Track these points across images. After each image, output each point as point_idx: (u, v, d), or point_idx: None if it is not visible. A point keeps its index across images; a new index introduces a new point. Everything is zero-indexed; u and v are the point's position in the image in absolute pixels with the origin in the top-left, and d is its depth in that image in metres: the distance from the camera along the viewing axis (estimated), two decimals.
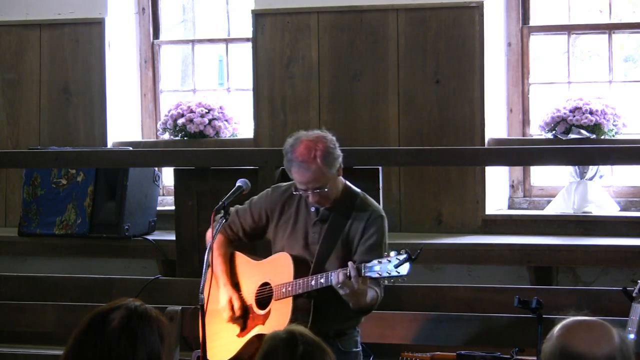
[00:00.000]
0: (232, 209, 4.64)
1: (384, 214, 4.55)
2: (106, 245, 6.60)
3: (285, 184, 4.64)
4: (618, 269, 6.03)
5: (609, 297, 5.23)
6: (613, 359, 2.57)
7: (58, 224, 6.70)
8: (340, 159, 4.42)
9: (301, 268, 4.41)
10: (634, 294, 4.20)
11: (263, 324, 4.48)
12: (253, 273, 4.60)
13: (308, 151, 4.33)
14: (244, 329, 4.56)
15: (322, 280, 4.27)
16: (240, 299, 4.56)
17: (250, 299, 4.56)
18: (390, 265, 4.13)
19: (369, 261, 4.20)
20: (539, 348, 4.51)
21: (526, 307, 4.57)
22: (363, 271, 4.15)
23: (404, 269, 4.12)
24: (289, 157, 4.37)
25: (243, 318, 4.56)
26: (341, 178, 4.47)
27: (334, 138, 4.45)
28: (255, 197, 4.67)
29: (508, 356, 4.89)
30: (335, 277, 4.19)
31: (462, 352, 5.02)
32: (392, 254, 4.16)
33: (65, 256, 6.89)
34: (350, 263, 4.19)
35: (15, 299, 6.19)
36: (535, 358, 4.70)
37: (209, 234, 4.70)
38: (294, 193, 4.49)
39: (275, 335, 2.70)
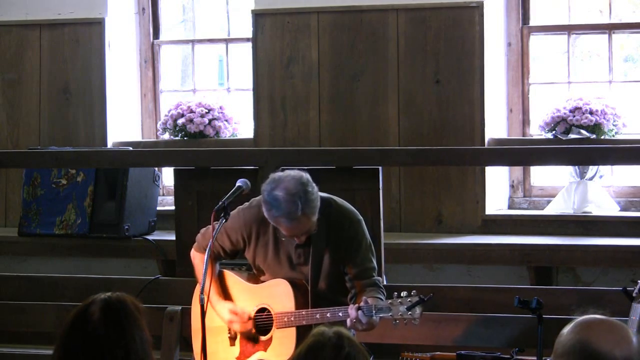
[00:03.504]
0: (205, 230, 4.63)
1: (359, 216, 4.56)
2: (106, 245, 6.60)
3: (255, 202, 4.57)
4: (618, 269, 6.03)
5: (609, 297, 5.22)
6: None
7: (58, 224, 6.70)
8: (319, 196, 4.36)
9: (300, 295, 4.42)
10: (634, 294, 4.20)
11: (265, 350, 4.47)
12: (248, 297, 4.58)
13: (294, 206, 4.24)
14: (243, 352, 4.55)
15: (328, 315, 4.29)
16: (239, 320, 4.55)
17: (249, 324, 4.54)
18: (402, 308, 4.15)
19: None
20: (539, 348, 4.51)
21: (526, 307, 4.57)
22: (374, 313, 4.17)
23: (417, 312, 4.14)
24: (274, 213, 4.28)
25: (242, 342, 4.55)
26: None
27: (308, 177, 4.35)
28: (228, 220, 4.56)
29: (508, 356, 4.89)
30: (343, 315, 4.23)
31: (462, 352, 5.01)
32: (403, 294, 4.18)
33: (65, 256, 6.89)
34: (363, 304, 4.20)
35: (15, 299, 6.19)
36: (535, 358, 4.69)
37: (193, 252, 4.70)
38: (282, 240, 4.45)
39: (323, 332, 2.75)
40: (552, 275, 6.19)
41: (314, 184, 4.34)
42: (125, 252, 6.65)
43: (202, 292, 4.23)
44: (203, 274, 4.31)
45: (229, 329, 4.58)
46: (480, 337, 5.23)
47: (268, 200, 4.29)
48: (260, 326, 4.52)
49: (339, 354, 2.68)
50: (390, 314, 4.17)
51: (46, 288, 6.26)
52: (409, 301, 4.15)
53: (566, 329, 2.65)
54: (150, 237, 6.60)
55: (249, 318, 4.52)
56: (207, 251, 4.36)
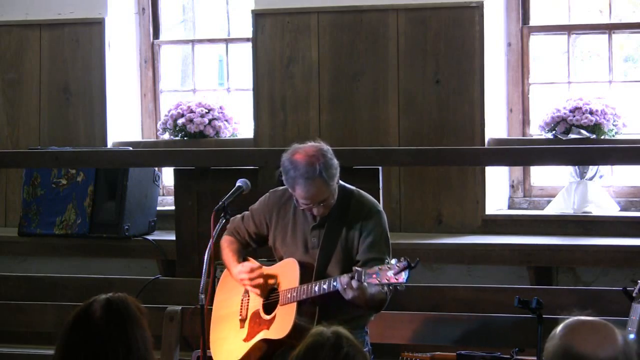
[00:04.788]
0: (237, 216, 4.66)
1: (380, 208, 4.57)
2: (106, 245, 6.60)
3: (281, 188, 4.62)
4: (618, 269, 6.03)
5: (609, 297, 5.23)
6: None
7: (58, 224, 6.70)
8: (338, 168, 4.41)
9: (306, 274, 4.43)
10: (634, 294, 4.20)
11: (268, 328, 4.49)
12: (262, 278, 4.59)
13: (311, 167, 4.29)
14: (250, 333, 4.57)
15: (324, 286, 4.29)
16: (248, 305, 4.58)
17: (259, 304, 4.57)
18: (390, 272, 4.15)
19: (370, 267, 4.23)
20: (539, 348, 4.51)
21: (526, 307, 4.57)
22: (363, 278, 4.17)
23: (403, 276, 4.14)
24: (292, 174, 4.33)
25: (251, 323, 4.58)
26: None
27: (329, 147, 4.42)
28: (256, 203, 4.67)
29: (508, 356, 4.89)
30: (337, 284, 4.22)
31: (462, 352, 5.01)
32: (393, 261, 4.18)
33: (65, 256, 6.89)
34: (353, 271, 4.20)
35: (15, 299, 6.20)
36: (535, 358, 4.69)
37: (222, 237, 4.71)
38: (301, 209, 4.47)
39: (321, 332, 2.75)
40: (552, 275, 6.19)
41: (333, 155, 4.39)
42: (125, 252, 6.65)
43: (201, 292, 4.24)
44: (203, 274, 4.31)
45: (240, 310, 4.60)
46: (480, 337, 5.23)
47: (287, 164, 4.35)
48: (268, 305, 4.54)
49: (337, 353, 2.68)
50: (378, 278, 4.16)
51: (46, 288, 6.27)
52: (397, 267, 4.16)
53: (552, 334, 2.65)
54: (150, 237, 6.60)
55: (248, 313, 4.54)
56: (207, 251, 4.37)
